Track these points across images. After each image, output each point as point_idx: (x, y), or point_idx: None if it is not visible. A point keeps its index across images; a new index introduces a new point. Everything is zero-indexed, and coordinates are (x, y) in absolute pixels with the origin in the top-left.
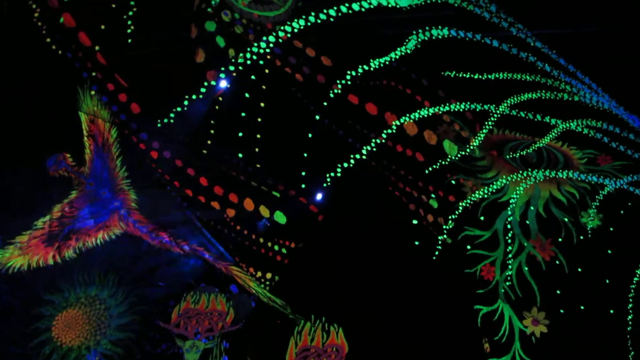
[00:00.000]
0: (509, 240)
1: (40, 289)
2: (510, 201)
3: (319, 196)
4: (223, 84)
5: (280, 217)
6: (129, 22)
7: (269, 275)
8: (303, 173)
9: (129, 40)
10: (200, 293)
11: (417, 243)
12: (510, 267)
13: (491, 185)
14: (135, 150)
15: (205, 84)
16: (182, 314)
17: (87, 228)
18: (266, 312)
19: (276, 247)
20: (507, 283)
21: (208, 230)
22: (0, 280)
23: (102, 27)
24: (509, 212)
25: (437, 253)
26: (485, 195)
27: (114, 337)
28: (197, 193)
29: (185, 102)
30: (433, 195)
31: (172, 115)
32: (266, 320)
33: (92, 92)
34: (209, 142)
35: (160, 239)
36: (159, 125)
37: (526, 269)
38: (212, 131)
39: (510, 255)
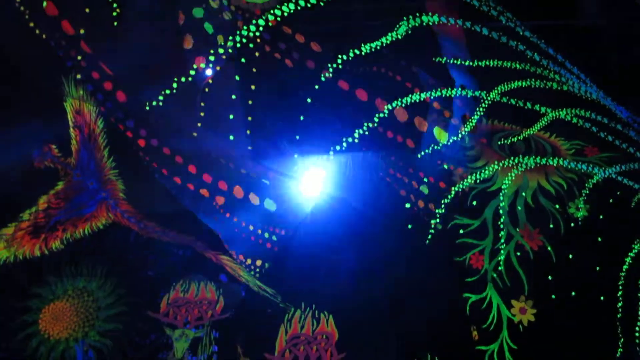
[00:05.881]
0: (501, 226)
1: (26, 282)
2: (503, 187)
3: (308, 182)
4: (209, 72)
5: (270, 205)
6: (114, 5)
7: (259, 263)
8: (295, 155)
9: (115, 23)
10: (190, 282)
11: (410, 227)
12: (500, 255)
13: (480, 173)
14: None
15: (195, 66)
16: (171, 303)
17: (74, 219)
18: (256, 300)
19: (266, 235)
20: (500, 267)
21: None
22: None
23: (87, 10)
24: (500, 199)
25: (429, 237)
26: (475, 184)
27: (103, 328)
28: (186, 181)
29: (175, 85)
30: (426, 180)
31: (160, 98)
32: (256, 309)
33: (78, 76)
34: (199, 124)
35: (149, 229)
36: (147, 108)
37: (514, 258)
38: (202, 114)
39: (500, 243)
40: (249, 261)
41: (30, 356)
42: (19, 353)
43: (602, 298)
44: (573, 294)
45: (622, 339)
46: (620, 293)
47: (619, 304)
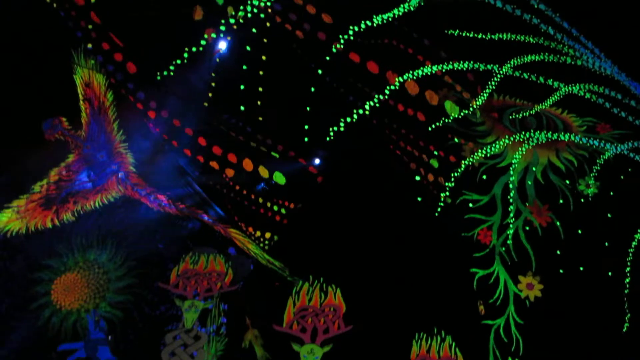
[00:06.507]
0: (511, 201)
1: (38, 254)
2: (513, 162)
3: (317, 160)
4: (222, 45)
5: (279, 178)
6: None
7: (268, 235)
8: (306, 127)
9: None
10: (199, 254)
11: (419, 199)
12: (508, 230)
13: (491, 149)
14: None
15: (205, 36)
16: (181, 274)
17: (85, 191)
18: (265, 273)
19: (275, 208)
20: (509, 242)
21: (206, 191)
22: None
23: None
24: (510, 174)
25: (439, 210)
26: (485, 159)
27: (113, 300)
28: (196, 153)
29: (185, 55)
30: (436, 153)
31: (172, 68)
32: (265, 282)
33: (89, 45)
34: (210, 94)
35: (158, 202)
36: (158, 78)
37: (522, 233)
38: (212, 84)
39: (509, 218)
40: (258, 233)
41: (42, 326)
42: (32, 323)
43: (610, 274)
44: (581, 269)
45: (629, 315)
46: (628, 269)
47: (627, 280)
